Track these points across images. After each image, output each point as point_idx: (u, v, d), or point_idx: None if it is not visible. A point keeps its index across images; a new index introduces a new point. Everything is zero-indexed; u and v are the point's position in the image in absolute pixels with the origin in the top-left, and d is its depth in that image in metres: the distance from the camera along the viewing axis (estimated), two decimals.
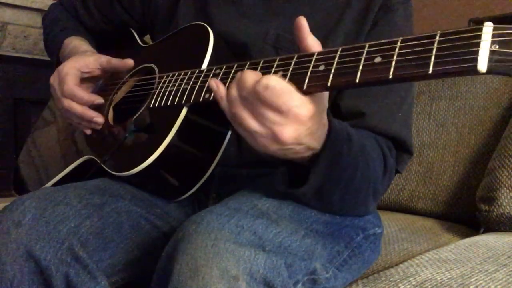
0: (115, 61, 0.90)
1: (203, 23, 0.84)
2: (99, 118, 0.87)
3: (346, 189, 0.67)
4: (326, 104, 0.59)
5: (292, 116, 0.55)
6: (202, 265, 0.55)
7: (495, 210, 1.09)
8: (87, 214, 0.75)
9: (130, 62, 0.90)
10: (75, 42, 1.00)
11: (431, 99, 1.38)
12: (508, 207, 1.07)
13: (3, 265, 0.68)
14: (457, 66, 0.46)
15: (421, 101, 1.39)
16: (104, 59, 0.90)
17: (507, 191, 1.08)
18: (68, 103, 0.87)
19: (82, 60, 0.89)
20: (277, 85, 0.54)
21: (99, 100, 0.88)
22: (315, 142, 0.59)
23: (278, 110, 0.54)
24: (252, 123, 0.56)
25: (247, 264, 0.56)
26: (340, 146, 0.63)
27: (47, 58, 1.12)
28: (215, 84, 0.62)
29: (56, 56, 1.04)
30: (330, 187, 0.65)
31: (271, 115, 0.55)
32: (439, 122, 1.34)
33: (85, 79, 0.90)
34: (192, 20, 0.88)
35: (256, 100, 0.55)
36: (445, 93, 1.36)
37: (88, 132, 0.91)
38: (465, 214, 1.22)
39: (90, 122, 0.88)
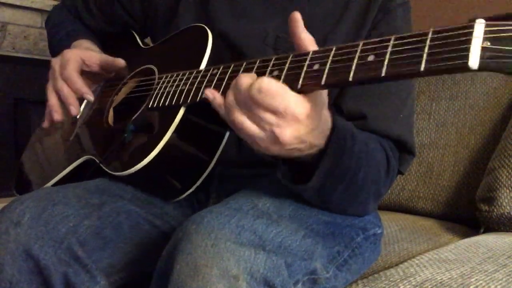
0: (109, 59, 0.93)
1: (202, 25, 0.84)
2: (74, 108, 0.87)
3: (347, 187, 0.67)
4: (324, 100, 0.59)
5: (290, 116, 0.54)
6: (202, 265, 0.55)
7: (495, 210, 1.08)
8: (86, 214, 0.75)
9: (120, 61, 0.92)
10: (86, 45, 1.01)
11: (431, 99, 1.38)
12: (508, 207, 1.07)
13: (2, 265, 0.68)
14: (449, 63, 0.46)
15: (421, 101, 1.39)
16: (104, 57, 0.92)
17: (507, 191, 1.08)
18: (61, 84, 0.88)
19: (87, 52, 0.92)
20: (270, 87, 0.54)
21: (88, 95, 0.88)
22: (317, 139, 0.59)
23: (275, 111, 0.54)
24: (252, 128, 0.56)
25: (247, 264, 0.56)
26: (343, 143, 0.63)
27: (47, 58, 1.12)
28: (211, 93, 0.62)
29: None
30: (332, 183, 0.65)
31: (269, 117, 0.55)
32: (439, 122, 1.34)
33: (86, 74, 0.92)
34: (193, 21, 0.88)
35: (253, 104, 0.55)
36: (445, 93, 1.36)
37: (53, 120, 0.90)
38: (465, 214, 1.22)
39: (67, 107, 0.87)
